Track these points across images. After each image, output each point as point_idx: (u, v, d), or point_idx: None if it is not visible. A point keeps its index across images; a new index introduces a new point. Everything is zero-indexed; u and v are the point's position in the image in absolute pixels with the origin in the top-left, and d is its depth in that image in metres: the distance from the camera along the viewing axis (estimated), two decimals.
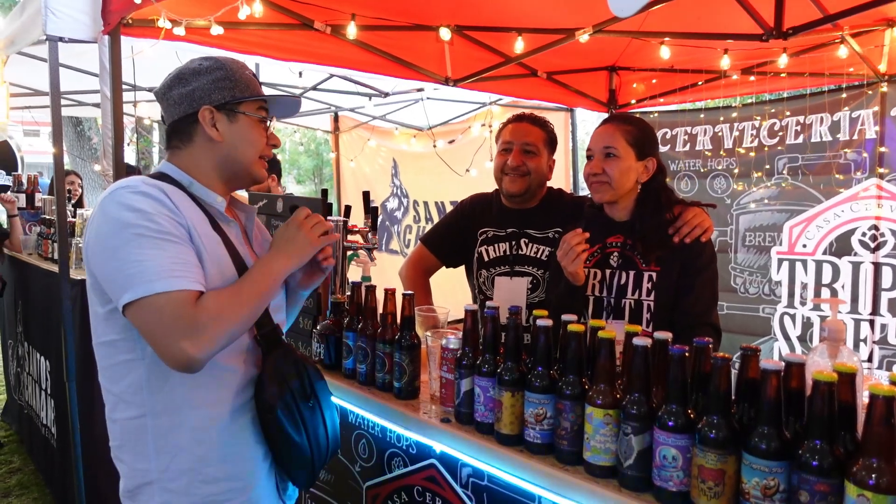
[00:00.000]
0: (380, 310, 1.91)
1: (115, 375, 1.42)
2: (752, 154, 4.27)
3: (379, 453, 1.93)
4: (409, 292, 1.83)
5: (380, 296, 1.95)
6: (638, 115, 3.26)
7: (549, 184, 2.52)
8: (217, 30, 2.91)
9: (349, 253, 2.33)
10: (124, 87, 2.86)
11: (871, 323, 3.82)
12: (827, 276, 3.99)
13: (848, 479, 1.04)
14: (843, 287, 3.92)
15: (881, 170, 3.77)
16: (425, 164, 6.07)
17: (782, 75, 3.84)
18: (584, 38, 3.28)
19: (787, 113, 4.11)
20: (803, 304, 4.08)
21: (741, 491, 1.16)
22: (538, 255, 2.41)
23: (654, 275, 1.99)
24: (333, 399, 1.62)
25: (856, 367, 1.12)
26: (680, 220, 2.00)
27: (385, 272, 4.45)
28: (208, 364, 1.32)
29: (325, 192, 2.28)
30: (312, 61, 3.69)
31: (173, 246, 1.32)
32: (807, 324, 4.07)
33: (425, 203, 6.26)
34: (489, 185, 2.60)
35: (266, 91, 1.59)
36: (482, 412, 1.56)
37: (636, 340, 1.31)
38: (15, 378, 4.90)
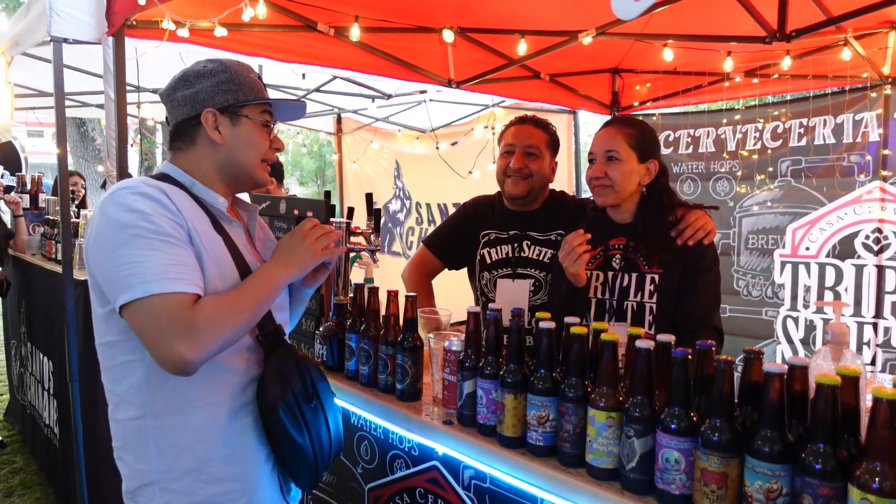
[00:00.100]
0: (382, 312, 1.91)
1: (116, 376, 1.43)
2: (755, 156, 4.26)
3: (381, 455, 1.93)
4: (412, 294, 1.83)
5: (382, 297, 1.94)
6: (640, 118, 3.26)
7: (551, 186, 2.52)
8: (221, 31, 2.91)
9: (352, 255, 2.34)
10: (128, 88, 2.87)
11: (875, 326, 3.81)
12: (830, 279, 3.98)
13: (851, 483, 1.04)
14: (846, 290, 3.91)
15: (884, 172, 3.76)
16: (428, 166, 6.07)
17: (785, 77, 3.84)
18: (587, 40, 3.28)
19: (790, 115, 4.11)
20: (806, 307, 4.07)
21: (744, 494, 1.16)
22: (540, 258, 2.41)
23: (656, 277, 1.99)
24: (336, 401, 1.62)
25: (859, 371, 1.12)
26: (682, 223, 2.00)
27: (388, 274, 4.44)
28: (209, 364, 1.32)
29: (328, 194, 2.28)
30: (315, 63, 3.69)
31: (171, 247, 1.32)
32: (810, 327, 4.06)
33: (428, 205, 6.25)
34: (492, 188, 2.60)
35: (271, 94, 1.59)
36: (485, 414, 1.56)
37: (639, 343, 1.31)
38: (18, 378, 4.92)
